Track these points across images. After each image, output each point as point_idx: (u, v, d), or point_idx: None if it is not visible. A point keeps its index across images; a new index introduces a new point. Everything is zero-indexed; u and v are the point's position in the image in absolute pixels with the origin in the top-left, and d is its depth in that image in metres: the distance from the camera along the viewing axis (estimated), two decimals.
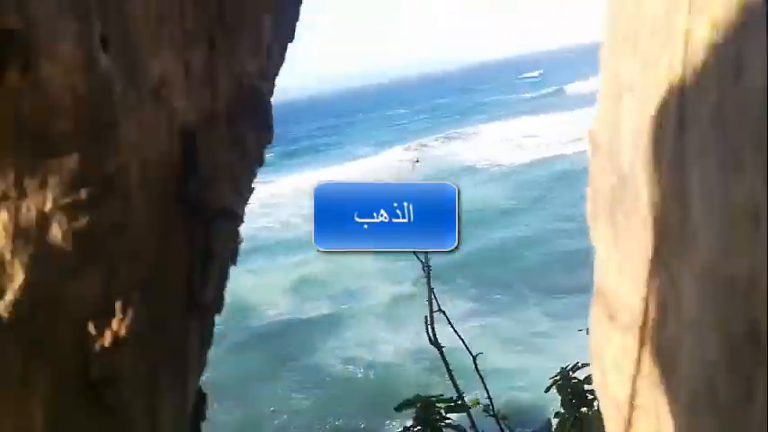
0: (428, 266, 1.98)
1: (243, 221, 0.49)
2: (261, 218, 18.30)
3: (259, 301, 11.87)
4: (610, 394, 0.49)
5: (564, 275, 10.34)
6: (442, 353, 1.95)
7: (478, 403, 1.97)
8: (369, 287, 11.73)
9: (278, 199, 21.05)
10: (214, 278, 0.46)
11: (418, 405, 1.84)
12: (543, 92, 45.50)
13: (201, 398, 0.52)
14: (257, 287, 12.33)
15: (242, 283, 12.70)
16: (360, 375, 8.98)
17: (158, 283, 0.40)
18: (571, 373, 1.98)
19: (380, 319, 10.55)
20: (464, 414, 1.91)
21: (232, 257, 0.49)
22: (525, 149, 22.72)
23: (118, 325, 0.37)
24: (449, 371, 1.93)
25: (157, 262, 0.40)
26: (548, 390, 2.01)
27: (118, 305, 0.37)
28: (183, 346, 0.44)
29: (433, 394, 1.92)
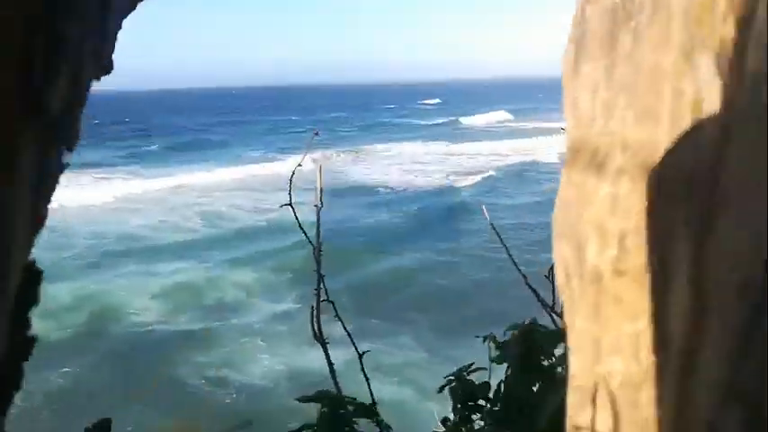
0: (320, 251, 1.82)
1: (118, 21, 0.36)
2: (137, 217, 17.15)
3: (125, 308, 11.14)
4: (587, 269, 0.41)
5: (449, 307, 10.56)
6: (325, 348, 1.80)
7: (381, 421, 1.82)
8: (247, 302, 11.32)
9: (163, 195, 19.91)
10: (64, 77, 0.31)
11: (324, 404, 1.62)
12: (440, 120, 47.14)
13: (33, 275, 0.37)
14: (125, 293, 11.62)
15: (109, 287, 11.91)
16: (228, 400, 8.51)
17: None
18: (466, 375, 1.89)
19: (255, 337, 10.17)
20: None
21: (96, 68, 0.35)
22: (421, 175, 23.42)
23: None
24: (331, 367, 1.78)
25: None
26: (440, 390, 1.90)
27: None
28: (8, 167, 0.30)
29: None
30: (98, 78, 0.36)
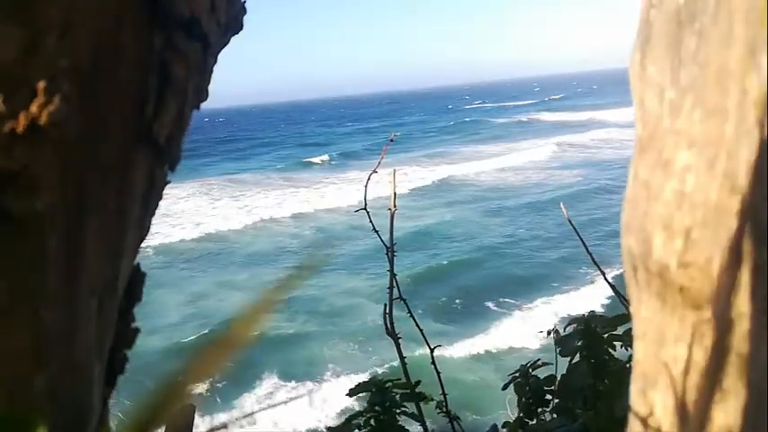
0: (393, 251, 1.83)
1: (215, 57, 0.40)
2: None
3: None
4: (653, 261, 0.43)
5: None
6: (397, 344, 1.83)
7: (432, 399, 1.85)
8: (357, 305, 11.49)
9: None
10: (170, 111, 0.36)
11: (374, 389, 1.70)
12: (578, 117, 45.54)
13: (139, 276, 0.42)
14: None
15: (218, 295, 12.48)
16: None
17: (98, 84, 0.32)
18: (531, 371, 1.89)
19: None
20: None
21: (196, 100, 0.39)
22: None
23: (39, 109, 0.28)
24: (402, 361, 1.82)
25: (101, 54, 0.31)
26: (505, 387, 1.92)
27: (41, 84, 0.28)
28: (123, 185, 0.35)
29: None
30: (198, 108, 0.40)
